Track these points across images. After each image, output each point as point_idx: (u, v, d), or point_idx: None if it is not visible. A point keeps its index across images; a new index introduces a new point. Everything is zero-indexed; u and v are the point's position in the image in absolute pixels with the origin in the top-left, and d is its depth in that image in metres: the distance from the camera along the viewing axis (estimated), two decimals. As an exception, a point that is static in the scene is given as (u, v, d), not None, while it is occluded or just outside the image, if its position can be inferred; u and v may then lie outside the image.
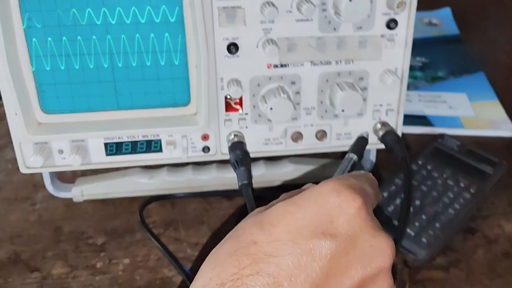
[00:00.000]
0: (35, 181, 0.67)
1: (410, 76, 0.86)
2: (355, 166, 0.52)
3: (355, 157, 0.52)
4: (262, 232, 0.37)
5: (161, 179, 0.64)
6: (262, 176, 0.65)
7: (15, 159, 0.70)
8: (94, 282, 0.56)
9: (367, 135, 0.55)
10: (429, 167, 0.67)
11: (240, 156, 0.50)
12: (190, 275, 0.55)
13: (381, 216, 0.57)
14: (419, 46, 0.93)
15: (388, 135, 0.54)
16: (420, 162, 0.67)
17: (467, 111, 0.78)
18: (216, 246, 0.40)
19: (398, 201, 0.61)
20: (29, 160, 0.52)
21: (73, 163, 0.52)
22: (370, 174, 0.44)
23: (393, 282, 0.39)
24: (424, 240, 0.58)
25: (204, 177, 0.65)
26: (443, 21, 1.02)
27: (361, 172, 0.44)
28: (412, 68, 0.88)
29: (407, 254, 0.58)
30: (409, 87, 0.83)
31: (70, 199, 0.64)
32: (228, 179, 0.62)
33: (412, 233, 0.59)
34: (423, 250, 0.57)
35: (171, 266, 0.58)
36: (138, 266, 0.58)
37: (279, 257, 0.36)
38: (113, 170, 0.65)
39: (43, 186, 0.64)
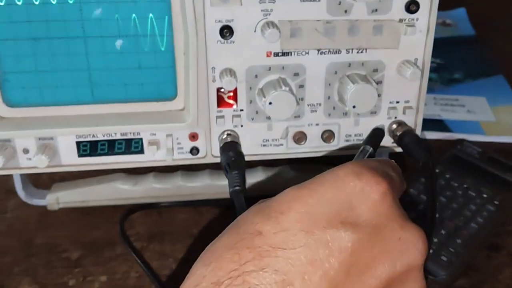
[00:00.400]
0: (8, 186, 0.61)
1: (424, 78, 0.79)
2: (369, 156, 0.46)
3: (371, 149, 0.46)
4: (268, 221, 0.31)
5: (147, 186, 0.58)
6: (260, 183, 0.59)
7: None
8: (65, 303, 0.49)
9: (384, 126, 0.49)
10: (448, 175, 0.61)
11: (232, 158, 0.43)
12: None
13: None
14: (434, 46, 0.87)
15: (407, 136, 0.46)
16: (438, 170, 0.61)
17: (487, 116, 0.72)
18: (213, 241, 0.34)
19: (412, 214, 0.55)
20: (-12, 160, 0.44)
21: (39, 164, 0.45)
22: (393, 161, 0.37)
23: (425, 284, 0.34)
24: (444, 258, 0.51)
25: (195, 184, 0.58)
26: (458, 21, 0.97)
27: (383, 158, 0.37)
28: (426, 69, 0.81)
29: (425, 275, 0.51)
30: (422, 89, 0.77)
31: (45, 207, 0.58)
32: (222, 186, 0.55)
33: (431, 251, 0.52)
34: (443, 271, 0.51)
35: (153, 285, 0.51)
36: (116, 284, 0.51)
37: (289, 250, 0.30)
38: (94, 175, 0.59)
39: (16, 193, 0.58)
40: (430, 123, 0.71)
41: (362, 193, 0.32)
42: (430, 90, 0.77)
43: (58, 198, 0.57)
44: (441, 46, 0.89)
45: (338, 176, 0.32)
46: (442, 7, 1.02)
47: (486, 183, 0.59)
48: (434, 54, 0.86)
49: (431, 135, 0.69)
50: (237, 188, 0.41)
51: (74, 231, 0.56)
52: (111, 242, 0.55)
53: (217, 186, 0.57)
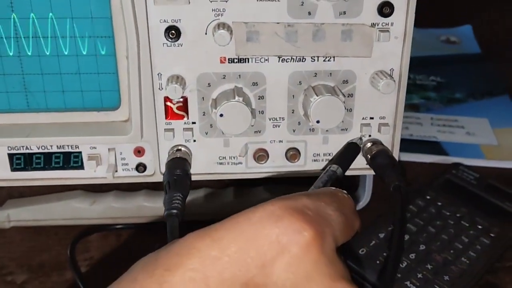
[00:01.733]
0: (-42, 202, 0.56)
1: (423, 97, 0.75)
2: (338, 182, 0.40)
3: (338, 169, 0.40)
4: (150, 279, 0.25)
5: (106, 205, 0.53)
6: (231, 204, 0.54)
7: None
8: (-1, 333, 0.44)
9: (361, 141, 0.43)
10: (439, 203, 0.55)
11: (174, 177, 0.38)
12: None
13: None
14: (434, 64, 0.83)
15: (379, 157, 0.41)
16: (428, 197, 0.56)
17: (489, 139, 0.67)
18: None
19: (412, 255, 0.49)
20: None
21: (-38, 178, 0.40)
22: (344, 192, 0.30)
23: None
24: (429, 297, 0.45)
25: (159, 205, 0.53)
26: (463, 39, 0.92)
27: (329, 189, 0.31)
28: (425, 87, 0.77)
29: (406, 315, 0.45)
30: (420, 109, 0.72)
31: (-3, 225, 0.54)
32: (192, 207, 0.50)
33: (414, 286, 0.46)
34: (426, 311, 0.44)
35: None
36: (60, 314, 0.46)
37: None
38: (49, 191, 0.54)
39: (-34, 210, 0.54)
40: (424, 145, 0.66)
41: (278, 244, 0.25)
42: (427, 109, 0.73)
43: (9, 216, 0.53)
44: (443, 64, 0.84)
45: (251, 221, 0.27)
46: (447, 23, 0.98)
47: (482, 213, 0.54)
48: (435, 72, 0.82)
49: (425, 158, 0.64)
50: (173, 212, 0.36)
51: (23, 252, 0.52)
52: (61, 266, 0.51)
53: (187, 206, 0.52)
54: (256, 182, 0.55)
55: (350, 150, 0.42)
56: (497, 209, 0.55)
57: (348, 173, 0.44)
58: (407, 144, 0.65)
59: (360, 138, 0.43)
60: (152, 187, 0.56)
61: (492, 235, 0.52)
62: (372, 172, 0.43)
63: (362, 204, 0.55)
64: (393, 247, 0.37)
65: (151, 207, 0.53)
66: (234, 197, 0.54)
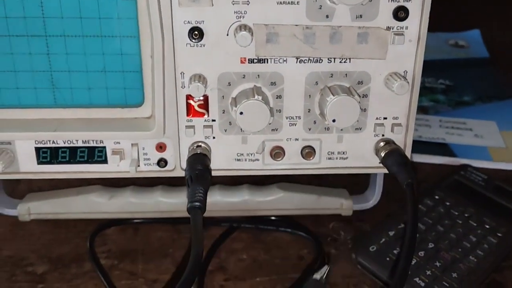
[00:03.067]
0: (-19, 195, 0.58)
1: (431, 100, 0.76)
2: None
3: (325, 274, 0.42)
4: None
5: (124, 200, 0.55)
6: (245, 202, 0.55)
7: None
8: (22, 321, 0.46)
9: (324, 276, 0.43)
10: (448, 203, 0.56)
11: (196, 172, 0.40)
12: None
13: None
14: (443, 68, 0.84)
15: (391, 156, 0.42)
16: (437, 197, 0.57)
17: (496, 141, 0.68)
18: None
19: (421, 253, 0.51)
20: None
21: (-9, 167, 0.42)
22: None
23: None
24: (437, 292, 0.46)
25: (175, 200, 0.55)
26: (471, 43, 0.93)
27: None
28: (433, 90, 0.78)
29: (415, 310, 0.47)
30: (429, 111, 0.74)
31: (17, 218, 0.55)
32: (207, 205, 0.51)
33: (422, 284, 0.47)
34: (435, 307, 0.46)
35: (118, 306, 0.47)
36: (80, 304, 0.47)
37: None
38: (69, 186, 0.56)
39: (-11, 202, 0.55)
40: (433, 147, 0.67)
41: None
42: (436, 112, 0.74)
43: (29, 209, 0.54)
44: (451, 67, 0.85)
45: None
46: (455, 28, 0.99)
47: (489, 213, 0.55)
48: (443, 75, 0.83)
49: (434, 159, 0.65)
50: (196, 204, 0.37)
51: (43, 245, 0.54)
52: (80, 258, 0.52)
53: None
54: (269, 181, 0.57)
55: None
56: (505, 210, 0.56)
57: (360, 172, 0.45)
58: (416, 145, 0.66)
59: (322, 278, 0.44)
60: (168, 183, 0.57)
61: (499, 234, 0.53)
62: (384, 171, 0.45)
63: (372, 203, 0.56)
64: (405, 243, 0.38)
65: (168, 202, 0.55)
66: (249, 194, 0.55)
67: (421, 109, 0.74)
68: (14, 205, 0.55)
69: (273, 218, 0.55)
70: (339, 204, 0.56)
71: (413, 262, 0.49)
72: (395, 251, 0.50)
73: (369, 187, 0.57)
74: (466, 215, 0.55)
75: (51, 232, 0.55)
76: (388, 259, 0.49)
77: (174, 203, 0.55)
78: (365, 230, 0.55)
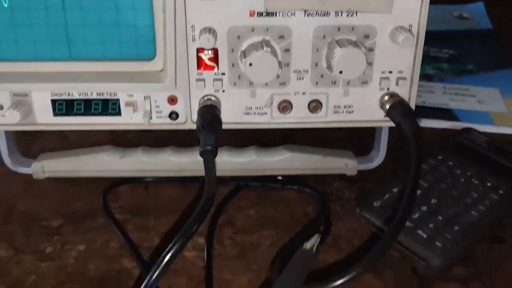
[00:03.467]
0: (-5, 155, 0.59)
1: (435, 68, 0.77)
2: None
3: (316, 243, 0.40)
4: None
5: (135, 159, 0.56)
6: (252, 162, 0.57)
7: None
8: (39, 269, 0.48)
9: (314, 250, 0.41)
10: (450, 163, 0.58)
11: (208, 121, 0.41)
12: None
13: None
14: (447, 38, 0.85)
15: (396, 107, 0.43)
16: (440, 157, 0.58)
17: (499, 107, 0.69)
18: None
19: (424, 208, 0.52)
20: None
21: (10, 119, 0.43)
22: None
23: None
24: (438, 244, 0.48)
25: (185, 159, 0.56)
26: (475, 15, 0.94)
27: None
28: (437, 59, 0.79)
29: (418, 260, 0.48)
30: (433, 79, 0.75)
31: (31, 176, 0.57)
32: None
33: (424, 236, 0.49)
34: (436, 257, 0.48)
35: (132, 256, 0.49)
36: (94, 254, 0.50)
37: None
38: (81, 146, 0.58)
39: (2, 161, 0.57)
40: (437, 112, 0.68)
41: None
42: (440, 79, 0.75)
43: (43, 167, 0.56)
44: (455, 38, 0.86)
45: None
46: (460, 0, 1.00)
47: (491, 172, 0.56)
48: (448, 45, 0.84)
49: (437, 123, 0.67)
50: (208, 148, 0.39)
51: (56, 201, 0.55)
52: (93, 213, 0.54)
53: None
54: (276, 143, 0.58)
55: (302, 260, 0.41)
56: (506, 170, 0.57)
57: (365, 125, 0.46)
58: (420, 111, 0.68)
59: (312, 248, 0.42)
60: (177, 144, 0.59)
61: (500, 192, 0.54)
62: (389, 124, 0.46)
63: (376, 163, 0.57)
64: (407, 190, 0.40)
65: (177, 161, 0.56)
66: (256, 155, 0.57)
67: (425, 77, 0.75)
68: (28, 164, 0.57)
69: (279, 178, 0.57)
70: (344, 164, 0.57)
71: (416, 216, 0.51)
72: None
73: (373, 149, 0.58)
74: (468, 174, 0.56)
75: (65, 190, 0.56)
76: (391, 213, 0.51)
77: (183, 162, 0.56)
78: (369, 189, 0.56)
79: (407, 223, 0.50)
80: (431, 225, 0.50)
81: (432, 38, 0.83)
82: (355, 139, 0.62)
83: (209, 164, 0.38)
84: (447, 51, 0.81)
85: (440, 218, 0.51)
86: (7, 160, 0.56)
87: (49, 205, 0.55)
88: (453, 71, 0.76)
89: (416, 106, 0.68)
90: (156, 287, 0.35)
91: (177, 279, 0.47)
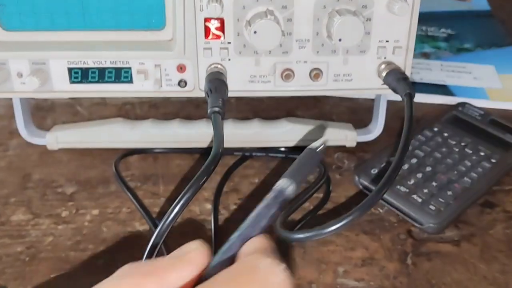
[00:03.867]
0: (11, 128, 0.63)
1: (433, 46, 0.79)
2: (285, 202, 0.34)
3: (290, 187, 0.34)
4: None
5: (144, 131, 0.59)
6: (256, 134, 0.59)
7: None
8: (56, 231, 0.51)
9: (323, 147, 0.37)
10: (445, 134, 0.60)
11: (215, 85, 0.44)
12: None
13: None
14: (445, 18, 0.87)
15: (392, 73, 0.46)
16: (436, 129, 0.61)
17: (494, 83, 0.71)
18: None
19: (419, 175, 0.55)
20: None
21: (30, 86, 0.46)
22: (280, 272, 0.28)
23: None
24: (432, 208, 0.51)
25: (191, 131, 0.59)
26: (473, -3, 0.95)
27: (251, 262, 0.28)
28: (435, 38, 0.81)
29: (412, 223, 0.51)
30: (430, 57, 0.77)
31: (45, 147, 0.59)
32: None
33: (419, 200, 0.52)
34: (430, 219, 0.50)
35: (143, 220, 0.52)
36: (107, 217, 0.52)
37: None
38: (93, 119, 0.61)
39: (19, 134, 0.59)
40: (433, 88, 0.71)
41: None
42: (437, 57, 0.77)
43: (57, 138, 0.59)
44: (454, 19, 0.88)
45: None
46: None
47: (484, 143, 0.59)
48: (446, 25, 0.86)
49: (434, 98, 0.69)
50: (216, 109, 0.42)
51: (70, 170, 0.58)
52: (105, 181, 0.57)
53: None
54: (279, 116, 0.61)
55: (308, 159, 0.36)
56: (499, 140, 0.60)
57: (363, 93, 0.49)
58: (417, 87, 0.70)
59: (322, 145, 0.37)
60: (183, 117, 0.61)
61: (493, 160, 0.57)
62: (386, 91, 0.48)
63: (374, 135, 0.60)
64: (398, 150, 0.42)
65: (184, 133, 0.59)
66: (260, 127, 0.59)
67: (423, 55, 0.77)
68: (42, 136, 0.59)
69: (282, 149, 0.59)
70: (344, 135, 0.59)
71: (411, 182, 0.53)
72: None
73: (372, 121, 0.60)
74: (462, 144, 0.59)
75: (78, 159, 0.59)
76: (388, 179, 0.53)
77: (190, 134, 0.59)
78: (367, 159, 0.59)
79: (403, 189, 0.53)
80: (425, 191, 0.52)
81: (431, 18, 0.86)
82: (355, 116, 0.64)
83: (217, 123, 0.41)
84: (445, 31, 0.83)
85: (434, 184, 0.53)
86: (23, 132, 0.58)
87: (63, 174, 0.57)
88: (450, 49, 0.79)
89: (414, 83, 0.71)
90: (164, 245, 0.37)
91: (187, 240, 0.50)
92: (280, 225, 0.43)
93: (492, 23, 0.87)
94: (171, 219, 0.36)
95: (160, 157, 0.60)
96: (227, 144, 0.58)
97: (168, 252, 0.45)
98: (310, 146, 0.37)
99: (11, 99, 0.55)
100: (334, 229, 0.38)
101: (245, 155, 0.59)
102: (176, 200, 0.37)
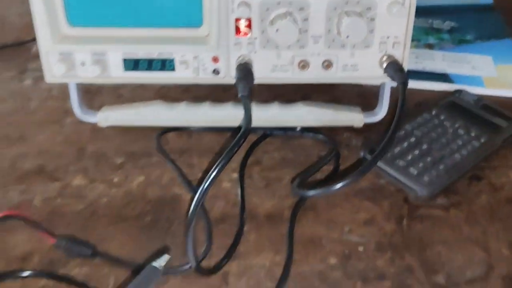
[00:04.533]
0: (65, 108, 0.72)
1: (437, 38, 0.87)
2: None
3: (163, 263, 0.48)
4: None
5: (180, 112, 0.68)
6: (275, 115, 0.67)
7: (50, 89, 0.76)
8: (109, 193, 0.61)
9: (161, 268, 0.49)
10: (442, 117, 0.68)
11: (244, 73, 0.53)
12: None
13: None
14: (450, 11, 0.94)
15: (391, 65, 0.55)
16: (433, 113, 0.69)
17: (490, 72, 0.79)
18: None
19: (404, 145, 0.63)
20: (54, 69, 0.56)
21: (91, 73, 0.56)
22: None
23: None
24: (426, 178, 0.59)
25: (220, 113, 0.68)
26: (477, -10, 1.01)
27: None
28: (439, 31, 0.89)
29: (408, 191, 0.60)
30: (434, 48, 0.85)
31: (95, 125, 0.69)
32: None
33: (415, 172, 0.60)
34: (423, 188, 0.59)
35: (181, 185, 0.62)
36: (151, 183, 0.62)
37: None
38: (134, 101, 0.70)
39: (72, 112, 0.68)
40: (435, 76, 0.78)
41: None
42: (440, 48, 0.84)
43: (106, 117, 0.68)
44: (457, 12, 0.95)
45: None
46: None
47: (476, 125, 0.66)
48: (449, 17, 0.93)
49: (434, 85, 0.76)
50: (245, 93, 0.52)
51: (118, 144, 0.67)
52: (148, 154, 0.66)
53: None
54: (296, 100, 0.69)
55: (148, 275, 0.48)
56: (489, 123, 0.67)
57: (367, 81, 0.58)
58: (420, 75, 0.78)
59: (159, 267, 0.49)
60: (213, 100, 0.70)
61: (482, 140, 0.65)
62: (386, 80, 0.58)
63: (380, 117, 0.68)
64: (392, 125, 0.51)
65: (214, 114, 0.68)
66: (279, 109, 0.68)
67: (428, 46, 0.85)
68: (93, 115, 0.69)
69: (298, 128, 0.68)
70: (352, 117, 0.68)
71: (409, 157, 0.62)
72: (395, 149, 0.63)
73: (377, 105, 0.69)
74: (456, 125, 0.67)
75: (124, 135, 0.68)
76: (389, 154, 0.62)
77: (221, 115, 0.68)
78: (372, 138, 0.67)
79: (401, 163, 0.61)
80: (421, 164, 0.61)
81: (436, 11, 0.93)
82: (363, 100, 0.73)
83: (247, 105, 0.50)
84: (449, 23, 0.90)
85: (429, 159, 0.62)
86: (77, 111, 0.68)
87: (112, 147, 0.67)
88: (452, 41, 0.86)
89: (417, 71, 0.79)
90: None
91: (218, 203, 0.60)
92: (296, 186, 0.53)
93: (493, 16, 0.94)
94: (210, 181, 0.45)
95: (193, 134, 0.69)
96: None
97: (205, 210, 0.55)
98: (152, 263, 0.48)
99: (64, 83, 0.65)
100: (339, 187, 0.47)
101: (266, 133, 0.68)
102: (215, 165, 0.46)
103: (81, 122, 0.69)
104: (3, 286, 0.51)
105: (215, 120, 0.68)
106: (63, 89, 0.74)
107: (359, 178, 0.49)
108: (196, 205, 0.44)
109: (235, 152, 0.48)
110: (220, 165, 0.45)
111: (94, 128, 0.69)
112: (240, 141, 0.47)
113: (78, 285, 0.51)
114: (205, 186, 0.44)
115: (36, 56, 0.82)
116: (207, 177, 0.45)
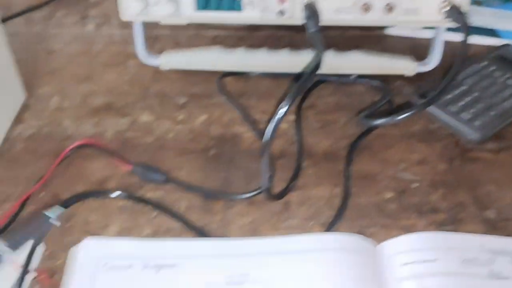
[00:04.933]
0: (127, 52, 0.75)
1: (485, -4, 0.88)
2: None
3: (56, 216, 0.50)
4: None
5: (239, 57, 0.71)
6: (330, 62, 0.69)
7: (112, 34, 0.79)
8: (175, 129, 0.65)
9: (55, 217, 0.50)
10: (491, 68, 0.70)
11: (311, 13, 0.56)
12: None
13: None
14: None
15: (452, 9, 0.58)
16: (483, 64, 0.71)
17: (539, 28, 0.80)
18: None
19: (468, 98, 0.65)
20: (130, 7, 0.60)
21: (165, 10, 0.59)
22: None
23: None
24: (477, 123, 0.62)
25: (277, 58, 0.71)
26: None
27: None
28: (488, -11, 0.89)
29: (460, 135, 0.62)
30: (482, 4, 0.85)
31: (157, 68, 0.72)
32: (298, 62, 0.67)
33: (467, 117, 0.63)
34: (475, 132, 0.61)
35: (241, 124, 0.65)
36: (213, 121, 0.65)
37: None
38: (197, 47, 0.73)
39: (135, 56, 0.71)
40: (483, 31, 0.80)
41: None
42: (488, 5, 0.85)
43: (168, 60, 0.71)
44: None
45: None
46: None
47: (524, 77, 0.69)
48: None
49: (483, 40, 0.78)
50: (314, 29, 0.55)
51: (180, 85, 0.71)
52: (209, 95, 0.69)
53: (295, 61, 0.69)
54: (305, 46, 0.70)
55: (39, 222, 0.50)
56: (537, 75, 0.70)
57: (428, 24, 0.60)
58: (469, 30, 0.80)
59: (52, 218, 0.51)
60: (269, 46, 0.73)
61: (529, 91, 0.67)
62: (445, 25, 0.60)
63: (431, 66, 0.70)
64: (456, 61, 0.53)
65: (270, 60, 0.70)
66: (334, 56, 0.71)
67: (476, 3, 0.86)
68: (156, 58, 0.72)
69: (354, 76, 0.71)
70: (405, 65, 0.70)
71: (461, 103, 0.65)
72: (447, 96, 0.65)
73: (429, 55, 0.71)
74: (506, 76, 0.69)
75: (185, 78, 0.71)
76: (441, 100, 0.65)
77: (277, 60, 0.71)
78: (424, 85, 0.70)
79: (453, 108, 0.64)
80: (472, 110, 0.64)
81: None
82: (414, 53, 0.74)
83: (318, 39, 0.53)
84: (496, -16, 0.91)
85: (480, 105, 0.64)
86: (141, 54, 0.71)
87: (174, 88, 0.70)
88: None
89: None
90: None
91: (277, 141, 0.63)
92: (363, 118, 0.56)
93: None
94: (282, 115, 0.48)
95: (251, 79, 0.72)
96: (263, 68, 0.70)
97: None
98: (45, 212, 0.50)
99: (126, 29, 0.67)
100: (404, 116, 0.52)
101: (320, 80, 0.71)
102: (287, 97, 0.49)
103: (143, 65, 0.72)
104: (85, 205, 0.56)
105: (271, 66, 0.71)
106: (124, 35, 0.77)
107: (423, 109, 0.52)
108: (275, 127, 0.48)
109: (307, 84, 0.51)
110: (296, 90, 0.48)
111: (156, 71, 0.72)
112: (313, 73, 0.50)
113: (154, 205, 0.55)
114: (284, 110, 0.47)
115: (96, 4, 0.87)
116: (285, 101, 0.48)
